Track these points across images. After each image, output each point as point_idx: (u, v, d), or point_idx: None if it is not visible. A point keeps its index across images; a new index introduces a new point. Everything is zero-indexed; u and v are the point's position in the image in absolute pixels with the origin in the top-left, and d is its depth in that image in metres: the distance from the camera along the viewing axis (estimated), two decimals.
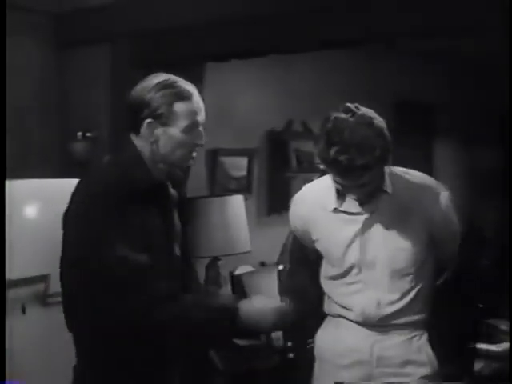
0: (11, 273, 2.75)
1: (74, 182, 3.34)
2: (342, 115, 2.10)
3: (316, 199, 2.37)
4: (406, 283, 2.27)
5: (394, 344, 2.29)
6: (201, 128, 2.10)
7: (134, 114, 2.08)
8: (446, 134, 6.78)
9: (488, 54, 6.08)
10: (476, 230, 6.00)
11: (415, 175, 2.34)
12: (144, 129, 2.06)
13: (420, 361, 2.31)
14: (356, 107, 2.12)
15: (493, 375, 4.47)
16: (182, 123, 2.06)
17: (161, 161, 2.09)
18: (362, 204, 2.25)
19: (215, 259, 4.34)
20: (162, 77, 2.10)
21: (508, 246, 4.77)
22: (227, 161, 4.93)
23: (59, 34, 4.00)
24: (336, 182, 2.18)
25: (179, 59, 3.69)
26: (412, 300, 2.28)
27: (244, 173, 5.07)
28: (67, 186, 3.30)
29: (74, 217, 2.03)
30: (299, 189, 2.52)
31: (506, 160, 7.32)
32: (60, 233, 2.00)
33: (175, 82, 2.08)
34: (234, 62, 3.80)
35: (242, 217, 4.36)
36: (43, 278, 3.05)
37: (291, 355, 3.85)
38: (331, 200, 2.29)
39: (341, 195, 2.28)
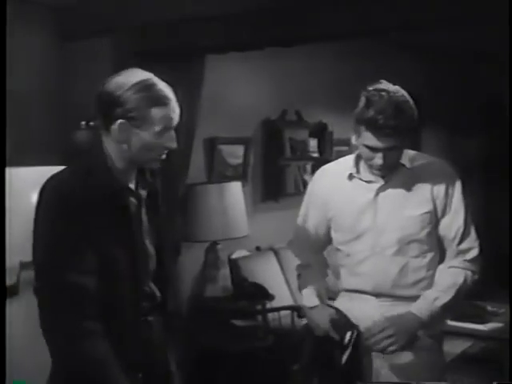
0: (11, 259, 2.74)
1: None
2: (379, 86, 2.30)
3: (335, 171, 2.54)
4: (413, 250, 2.39)
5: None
6: (172, 132, 2.03)
7: (106, 110, 1.98)
8: (433, 124, 6.91)
9: (476, 46, 6.22)
10: None
11: (431, 157, 2.51)
12: (115, 128, 1.97)
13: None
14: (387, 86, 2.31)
15: (480, 354, 4.64)
16: (156, 128, 1.97)
17: (129, 160, 2.03)
18: (380, 175, 2.39)
19: (214, 243, 4.46)
20: (140, 75, 1.99)
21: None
22: (225, 149, 4.99)
23: (61, 24, 4.03)
24: (367, 146, 2.30)
25: (180, 51, 3.77)
26: (419, 268, 2.41)
27: (240, 160, 5.14)
28: None
29: (35, 223, 1.96)
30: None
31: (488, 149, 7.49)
32: None
33: (154, 85, 1.98)
34: (233, 54, 3.88)
35: (240, 203, 4.46)
36: None
37: None
38: (348, 168, 2.46)
39: (356, 164, 2.45)
